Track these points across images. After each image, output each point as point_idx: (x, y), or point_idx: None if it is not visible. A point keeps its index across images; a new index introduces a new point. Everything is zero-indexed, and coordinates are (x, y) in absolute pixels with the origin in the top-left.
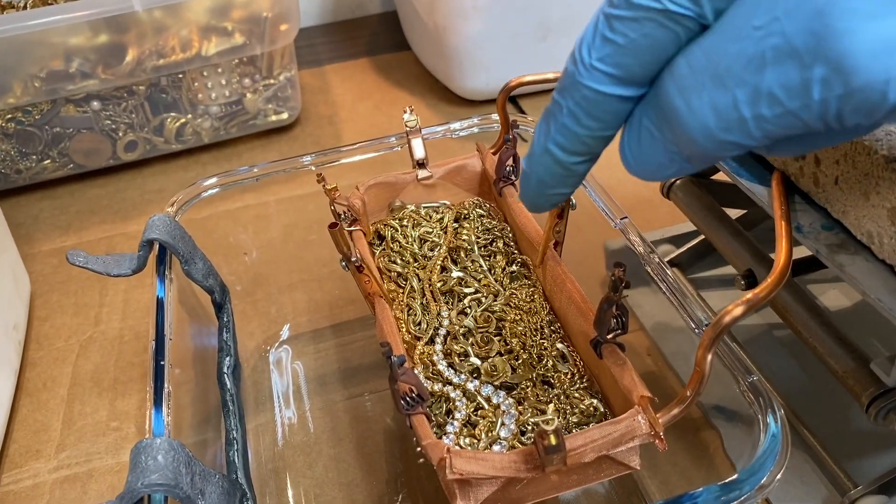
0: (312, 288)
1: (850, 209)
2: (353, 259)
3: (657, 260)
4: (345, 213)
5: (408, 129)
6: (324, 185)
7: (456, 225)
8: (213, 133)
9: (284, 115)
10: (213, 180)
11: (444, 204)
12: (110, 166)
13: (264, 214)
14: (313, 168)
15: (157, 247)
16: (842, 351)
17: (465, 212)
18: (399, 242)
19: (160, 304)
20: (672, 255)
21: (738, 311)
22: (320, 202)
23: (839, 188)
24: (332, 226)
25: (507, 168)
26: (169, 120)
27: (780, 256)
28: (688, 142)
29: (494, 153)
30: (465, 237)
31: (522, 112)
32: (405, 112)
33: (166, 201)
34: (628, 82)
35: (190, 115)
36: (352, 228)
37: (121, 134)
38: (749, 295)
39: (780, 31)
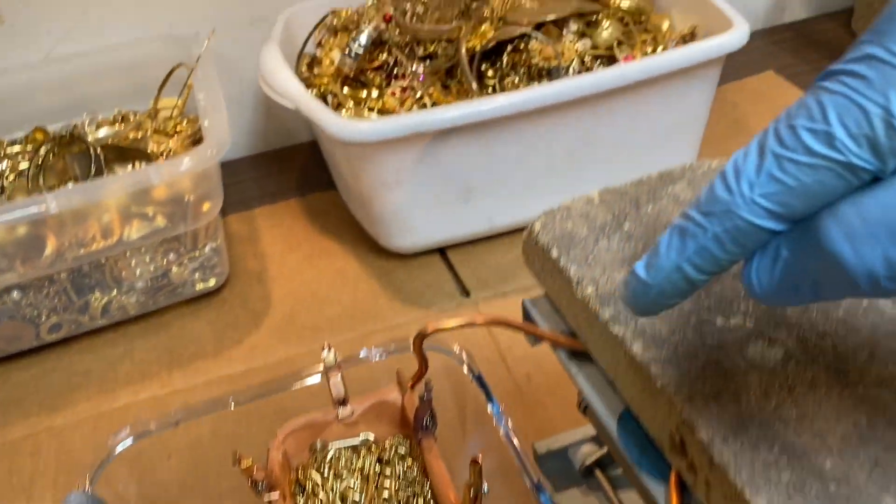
0: None
1: None
2: None
3: None
4: (261, 482)
5: (325, 367)
6: (239, 466)
7: (378, 469)
8: (139, 306)
9: (212, 283)
10: (125, 434)
11: (367, 441)
12: (34, 347)
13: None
14: (233, 406)
15: None
16: None
17: (386, 455)
18: (321, 500)
19: None
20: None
21: None
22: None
23: None
24: None
25: (425, 423)
26: (94, 299)
27: None
28: (843, 282)
29: (412, 386)
30: (385, 496)
31: (453, 268)
32: (323, 349)
33: (93, 385)
34: (786, 219)
35: (115, 292)
36: (271, 498)
37: (44, 318)
38: None
39: None
